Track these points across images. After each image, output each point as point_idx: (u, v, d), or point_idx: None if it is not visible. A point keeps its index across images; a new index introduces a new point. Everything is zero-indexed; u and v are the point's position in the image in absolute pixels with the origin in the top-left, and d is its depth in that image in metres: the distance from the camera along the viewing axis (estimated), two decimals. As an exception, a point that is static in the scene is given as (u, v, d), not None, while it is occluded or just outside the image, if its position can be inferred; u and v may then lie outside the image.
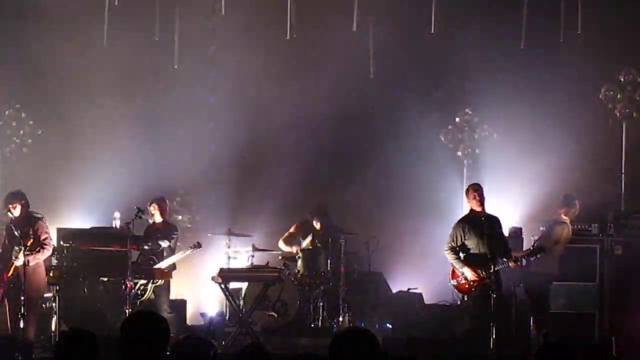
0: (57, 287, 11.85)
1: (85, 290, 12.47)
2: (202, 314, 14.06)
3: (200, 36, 15.35)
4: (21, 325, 10.95)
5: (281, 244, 13.76)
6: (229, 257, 13.33)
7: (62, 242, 12.37)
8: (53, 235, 12.22)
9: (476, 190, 11.68)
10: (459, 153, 15.27)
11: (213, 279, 12.64)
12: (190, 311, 14.08)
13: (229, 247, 13.40)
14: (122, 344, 5.37)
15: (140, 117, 15.05)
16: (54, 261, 12.15)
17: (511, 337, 12.08)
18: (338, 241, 13.21)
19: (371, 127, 15.44)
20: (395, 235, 14.55)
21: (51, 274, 11.83)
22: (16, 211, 11.42)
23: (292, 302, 13.19)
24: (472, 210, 11.70)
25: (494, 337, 11.07)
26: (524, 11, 14.49)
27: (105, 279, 12.36)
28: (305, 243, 13.53)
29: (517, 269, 11.85)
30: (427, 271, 13.72)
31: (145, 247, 12.41)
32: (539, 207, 13.80)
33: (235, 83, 15.15)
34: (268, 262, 13.14)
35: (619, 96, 14.73)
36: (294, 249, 13.58)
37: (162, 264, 12.33)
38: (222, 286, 12.54)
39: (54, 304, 11.89)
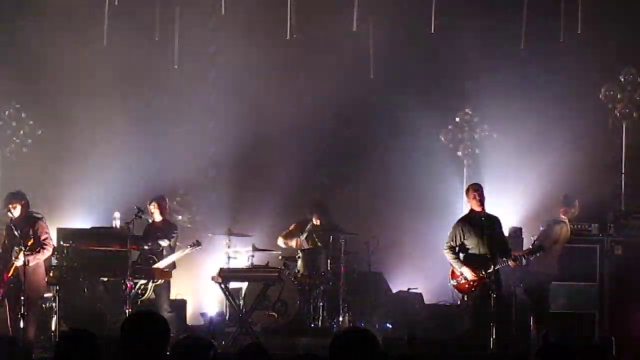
0: (57, 287, 11.85)
1: (85, 290, 12.48)
2: (202, 314, 14.06)
3: (200, 36, 15.35)
4: (21, 325, 10.95)
5: (280, 241, 13.77)
6: (229, 257, 13.32)
7: (62, 242, 12.37)
8: (53, 235, 12.22)
9: (476, 190, 11.69)
10: (459, 153, 15.27)
11: (213, 278, 12.64)
12: (190, 311, 14.09)
13: (229, 247, 13.39)
14: (122, 344, 5.37)
15: (140, 117, 15.05)
16: (54, 261, 12.15)
17: (511, 337, 12.09)
18: (338, 241, 13.22)
19: (371, 127, 15.44)
20: (395, 235, 14.56)
21: (51, 274, 11.82)
22: (16, 211, 11.41)
23: (292, 302, 13.19)
24: (472, 210, 11.70)
25: (494, 337, 11.08)
26: (524, 11, 14.50)
27: (105, 279, 12.36)
28: (305, 235, 13.53)
29: (516, 268, 11.86)
30: (427, 271, 13.73)
31: (145, 247, 12.41)
32: (539, 207, 13.80)
33: (235, 83, 15.15)
34: (268, 262, 13.13)
35: (619, 96, 14.72)
36: (294, 243, 13.58)
37: (162, 263, 12.33)
38: (222, 286, 12.54)
39: (54, 304, 11.89)
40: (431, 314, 13.45)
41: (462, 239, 11.58)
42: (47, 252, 11.49)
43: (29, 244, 11.18)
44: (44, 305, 12.04)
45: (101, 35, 14.60)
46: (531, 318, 12.54)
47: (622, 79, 14.75)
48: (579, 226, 13.27)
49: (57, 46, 14.45)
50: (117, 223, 13.47)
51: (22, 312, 10.94)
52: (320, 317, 13.03)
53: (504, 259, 11.42)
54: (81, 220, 14.23)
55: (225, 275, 12.53)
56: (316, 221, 13.67)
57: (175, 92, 15.28)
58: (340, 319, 13.02)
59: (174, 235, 12.67)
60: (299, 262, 13.18)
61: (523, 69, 14.60)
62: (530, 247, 12.14)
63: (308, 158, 14.95)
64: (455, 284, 11.68)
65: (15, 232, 11.21)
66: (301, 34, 14.62)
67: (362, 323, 13.11)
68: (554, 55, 14.65)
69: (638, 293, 12.89)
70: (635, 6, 14.43)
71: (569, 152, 14.17)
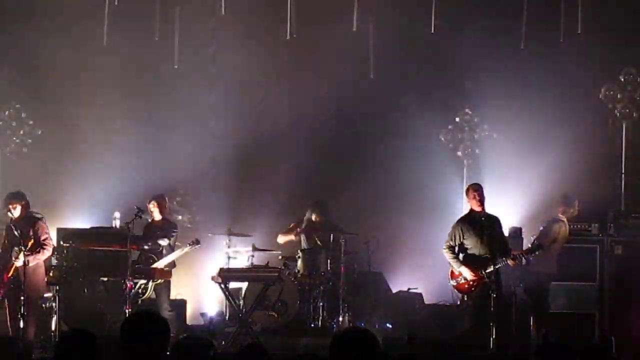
0: (57, 287, 11.86)
1: (85, 290, 12.48)
2: (202, 314, 14.06)
3: (200, 36, 15.35)
4: (21, 325, 10.96)
5: (279, 238, 13.78)
6: (229, 257, 13.31)
7: (62, 242, 12.38)
8: (53, 235, 12.23)
9: (476, 190, 11.69)
10: (459, 153, 15.27)
11: (213, 278, 12.64)
12: (190, 311, 14.09)
13: (229, 247, 13.39)
14: (122, 344, 5.37)
15: (140, 117, 15.05)
16: (54, 261, 12.15)
17: (511, 337, 12.08)
18: (338, 241, 13.22)
19: (371, 127, 15.44)
20: (395, 235, 14.56)
21: (51, 274, 11.83)
22: (16, 212, 11.42)
23: (292, 302, 13.20)
24: (472, 210, 11.71)
25: (494, 337, 11.08)
26: (524, 11, 14.49)
27: (105, 279, 12.36)
28: (304, 225, 13.53)
29: (516, 267, 11.86)
30: (427, 271, 13.73)
31: (145, 247, 12.40)
32: (539, 207, 13.79)
33: (235, 83, 15.14)
34: (268, 262, 13.14)
35: (619, 96, 14.72)
36: (292, 235, 13.59)
37: (162, 262, 12.32)
38: (222, 286, 12.54)
39: (54, 304, 11.89)
40: (431, 314, 13.45)
41: (461, 239, 11.59)
42: (47, 253, 11.49)
43: (29, 244, 11.19)
44: (44, 305, 12.05)
45: (101, 35, 14.59)
46: (531, 318, 12.53)
47: (622, 79, 14.75)
48: (579, 226, 13.27)
49: (57, 46, 14.45)
50: (117, 223, 13.47)
51: (22, 312, 10.95)
52: (320, 317, 13.03)
53: (503, 258, 11.42)
54: (81, 220, 14.23)
55: (225, 275, 12.53)
56: (314, 217, 13.68)
57: (175, 92, 15.27)
58: (340, 319, 13.02)
59: (173, 234, 12.66)
60: (299, 262, 13.18)
61: (523, 69, 14.59)
62: (530, 246, 12.15)
63: (308, 158, 14.94)
64: (455, 284, 11.69)
65: (15, 233, 11.22)
66: (296, 35, 14.59)
67: (362, 323, 13.11)
68: (554, 55, 14.64)
69: (638, 293, 12.88)
70: (635, 6, 14.42)
71: (569, 152, 14.16)
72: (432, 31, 14.58)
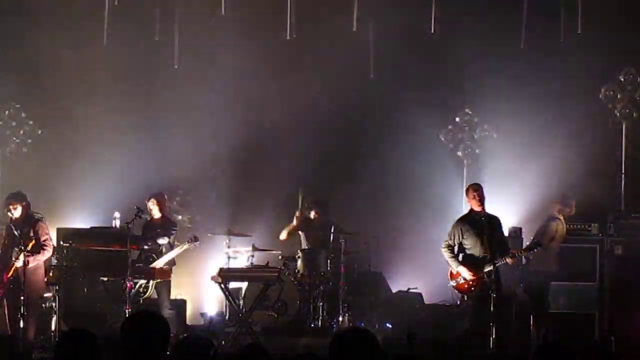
0: (57, 287, 11.85)
1: (85, 290, 12.47)
2: (202, 314, 14.06)
3: (200, 36, 15.34)
4: (21, 325, 10.95)
5: (282, 234, 13.78)
6: (229, 257, 13.31)
7: (62, 242, 12.38)
8: (53, 235, 12.23)
9: (476, 190, 11.70)
10: (459, 153, 15.27)
11: (213, 278, 12.65)
12: (190, 311, 14.09)
13: (229, 247, 13.38)
14: (122, 344, 5.37)
15: (140, 117, 15.05)
16: (54, 261, 12.14)
17: (511, 337, 12.08)
18: (338, 241, 13.22)
19: (371, 127, 15.44)
20: (395, 235, 14.56)
21: (51, 274, 11.81)
22: (17, 212, 11.41)
23: (292, 302, 13.20)
24: (472, 210, 11.71)
25: (494, 337, 11.08)
26: (524, 11, 14.49)
27: (105, 279, 12.35)
28: (300, 208, 13.55)
29: (515, 267, 11.86)
30: (427, 271, 13.73)
31: (145, 247, 12.40)
32: (539, 207, 13.78)
33: (235, 83, 15.14)
34: (268, 262, 13.13)
35: (619, 96, 14.72)
36: (295, 224, 13.60)
37: (161, 261, 12.30)
38: (222, 286, 12.54)
39: (54, 304, 11.88)
40: (431, 314, 13.45)
41: (460, 239, 11.59)
42: (47, 253, 11.49)
43: (30, 245, 11.18)
44: (44, 305, 12.04)
45: (101, 35, 14.59)
46: (531, 318, 12.53)
47: (622, 79, 14.74)
48: (579, 226, 13.28)
49: (57, 46, 14.45)
50: (117, 223, 13.46)
51: (22, 312, 10.94)
52: (320, 317, 13.03)
53: (503, 257, 11.42)
54: (81, 220, 14.23)
55: (225, 275, 12.53)
56: (312, 214, 13.68)
57: (175, 92, 15.27)
58: (340, 319, 13.02)
59: (173, 232, 12.66)
60: (299, 262, 13.18)
61: (523, 69, 14.58)
62: (528, 244, 12.16)
63: (308, 158, 14.94)
64: (454, 284, 11.69)
65: (15, 233, 11.21)
66: (296, 35, 14.59)
67: (362, 323, 13.11)
68: (554, 55, 14.64)
69: (638, 293, 12.88)
70: (635, 6, 14.42)
71: (569, 152, 14.17)
72: (432, 31, 14.59)
